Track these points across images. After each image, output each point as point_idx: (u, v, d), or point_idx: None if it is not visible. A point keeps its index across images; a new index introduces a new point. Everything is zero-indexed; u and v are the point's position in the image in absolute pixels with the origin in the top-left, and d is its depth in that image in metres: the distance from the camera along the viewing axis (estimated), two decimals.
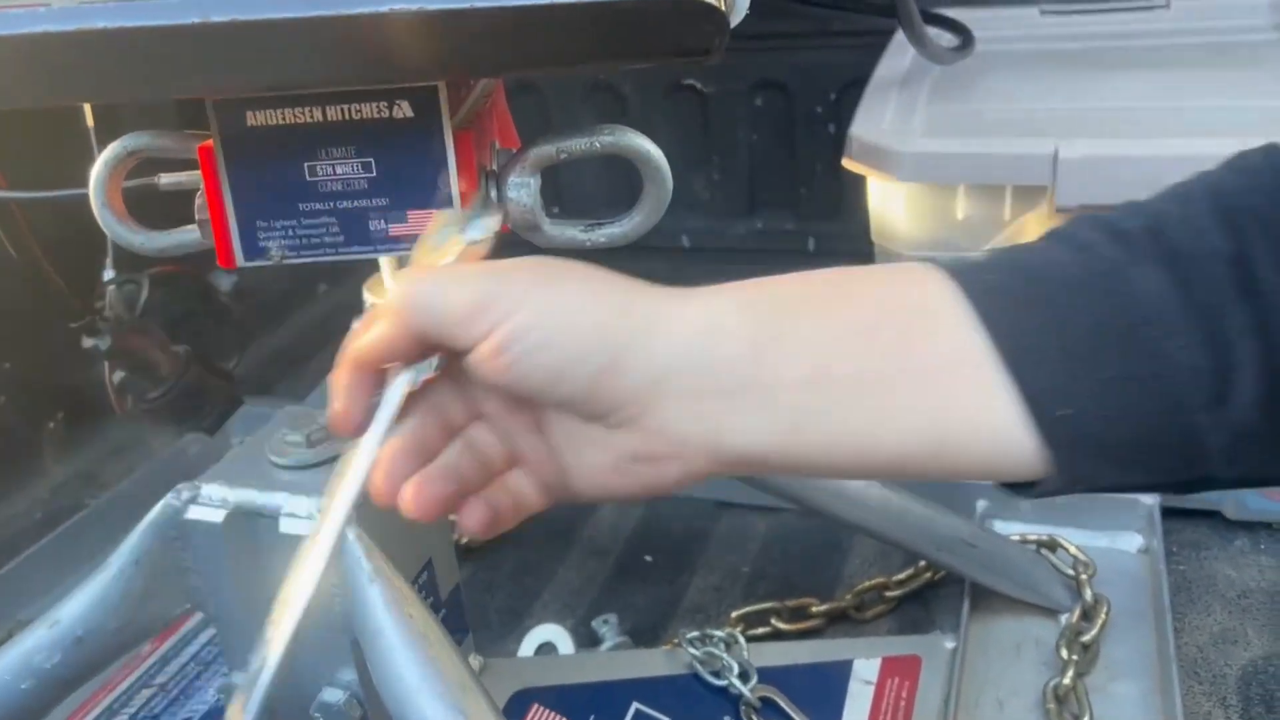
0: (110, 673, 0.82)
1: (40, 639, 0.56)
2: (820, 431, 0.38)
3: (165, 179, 0.56)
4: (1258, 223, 0.34)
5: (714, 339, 0.38)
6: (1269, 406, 0.33)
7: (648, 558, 0.96)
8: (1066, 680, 0.77)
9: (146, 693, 0.78)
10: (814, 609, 0.86)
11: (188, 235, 0.56)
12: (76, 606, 0.57)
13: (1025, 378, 0.35)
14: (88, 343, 0.67)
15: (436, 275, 0.39)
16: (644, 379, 0.37)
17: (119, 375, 0.69)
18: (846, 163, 0.94)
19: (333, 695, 0.57)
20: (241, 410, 1.14)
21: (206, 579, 0.56)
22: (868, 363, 0.37)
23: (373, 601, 0.51)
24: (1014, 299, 0.36)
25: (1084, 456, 0.35)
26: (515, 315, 0.37)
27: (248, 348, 1.00)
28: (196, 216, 0.50)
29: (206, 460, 1.02)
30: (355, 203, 0.47)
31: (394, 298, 0.38)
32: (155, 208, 0.58)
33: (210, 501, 0.55)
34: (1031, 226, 0.86)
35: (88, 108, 0.73)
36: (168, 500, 0.55)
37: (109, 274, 0.70)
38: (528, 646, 0.83)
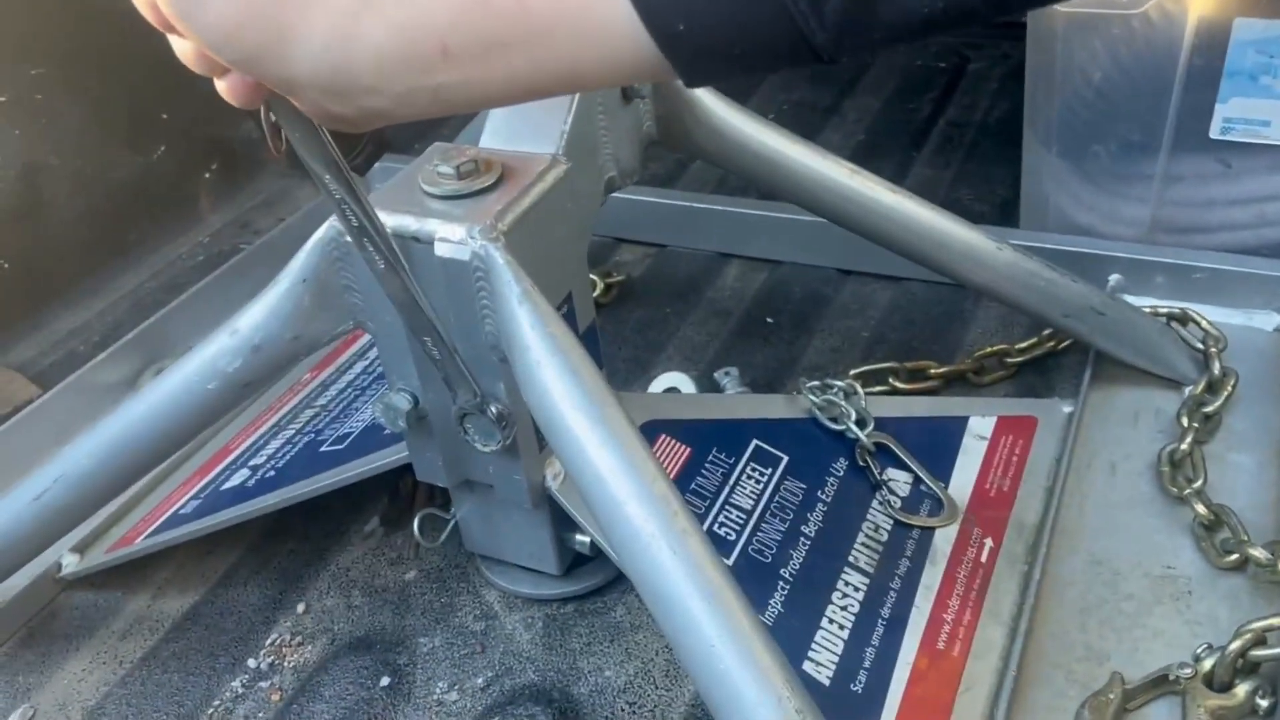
0: (277, 394, 0.91)
1: (223, 345, 0.62)
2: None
3: None
4: None
5: (349, 52, 0.40)
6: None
7: (769, 319, 0.99)
8: (1184, 446, 0.78)
9: (309, 413, 0.86)
10: (932, 370, 0.88)
11: None
12: (253, 317, 0.62)
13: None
14: None
15: None
16: (279, 72, 0.41)
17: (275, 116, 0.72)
18: None
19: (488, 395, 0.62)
20: (378, 165, 1.18)
21: (367, 297, 0.61)
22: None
23: (521, 320, 0.55)
24: None
25: (704, 62, 0.38)
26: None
27: None
28: None
29: None
30: None
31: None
32: None
33: None
34: None
35: None
36: (331, 222, 0.59)
37: None
38: (655, 389, 0.87)
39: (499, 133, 0.67)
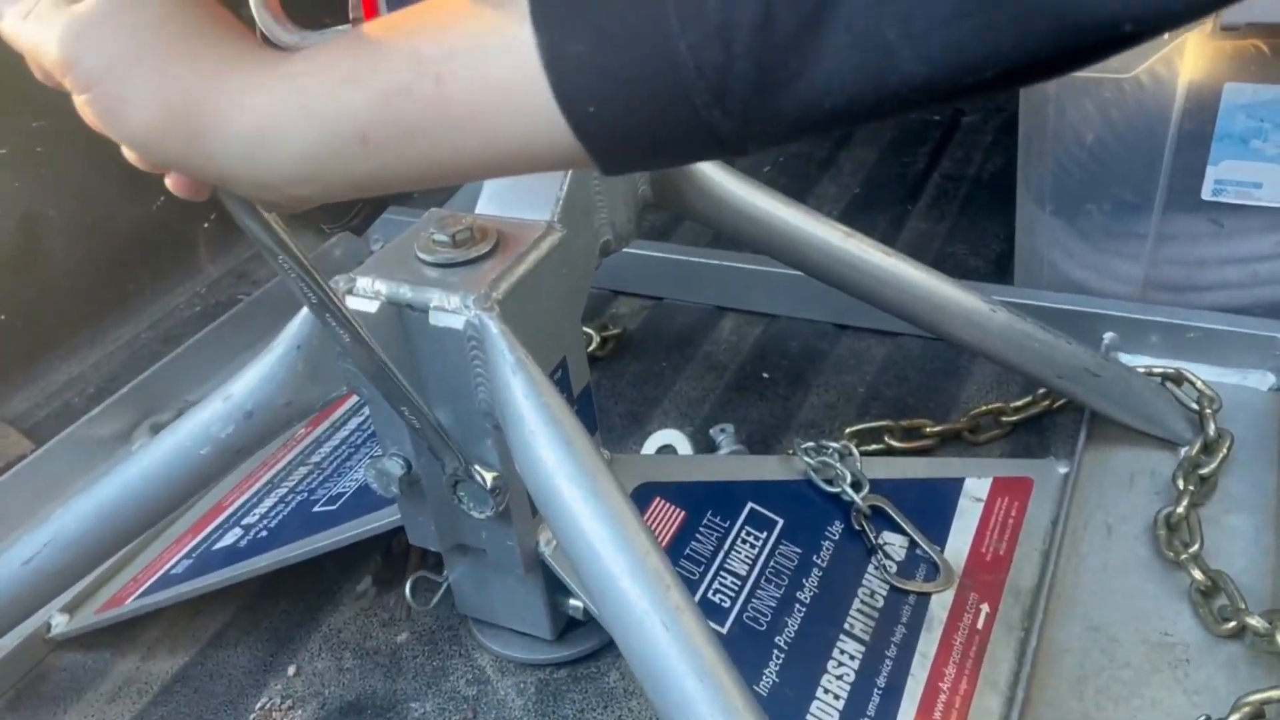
0: (270, 451, 0.90)
1: (216, 411, 0.62)
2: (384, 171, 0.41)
3: None
4: None
5: (267, 148, 0.41)
6: (760, 91, 0.35)
7: (764, 374, 0.99)
8: (1180, 509, 0.78)
9: (303, 470, 0.85)
10: (928, 429, 0.88)
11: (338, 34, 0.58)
12: (247, 383, 0.62)
13: (560, 75, 0.36)
14: None
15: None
16: (208, 171, 0.42)
17: None
18: None
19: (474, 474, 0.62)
20: (382, 217, 1.19)
21: (361, 365, 0.61)
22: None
23: (515, 389, 0.55)
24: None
25: (619, 150, 0.38)
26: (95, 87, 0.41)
27: None
28: (350, 16, 0.51)
29: (349, 263, 1.08)
30: None
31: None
32: (308, 11, 0.60)
33: (365, 293, 0.59)
34: (1192, 43, 0.81)
35: None
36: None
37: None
38: (649, 448, 0.87)
39: (495, 198, 0.67)
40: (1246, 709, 0.60)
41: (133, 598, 0.77)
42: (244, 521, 0.81)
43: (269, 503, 0.83)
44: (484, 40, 0.38)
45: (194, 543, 0.81)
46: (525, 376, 0.55)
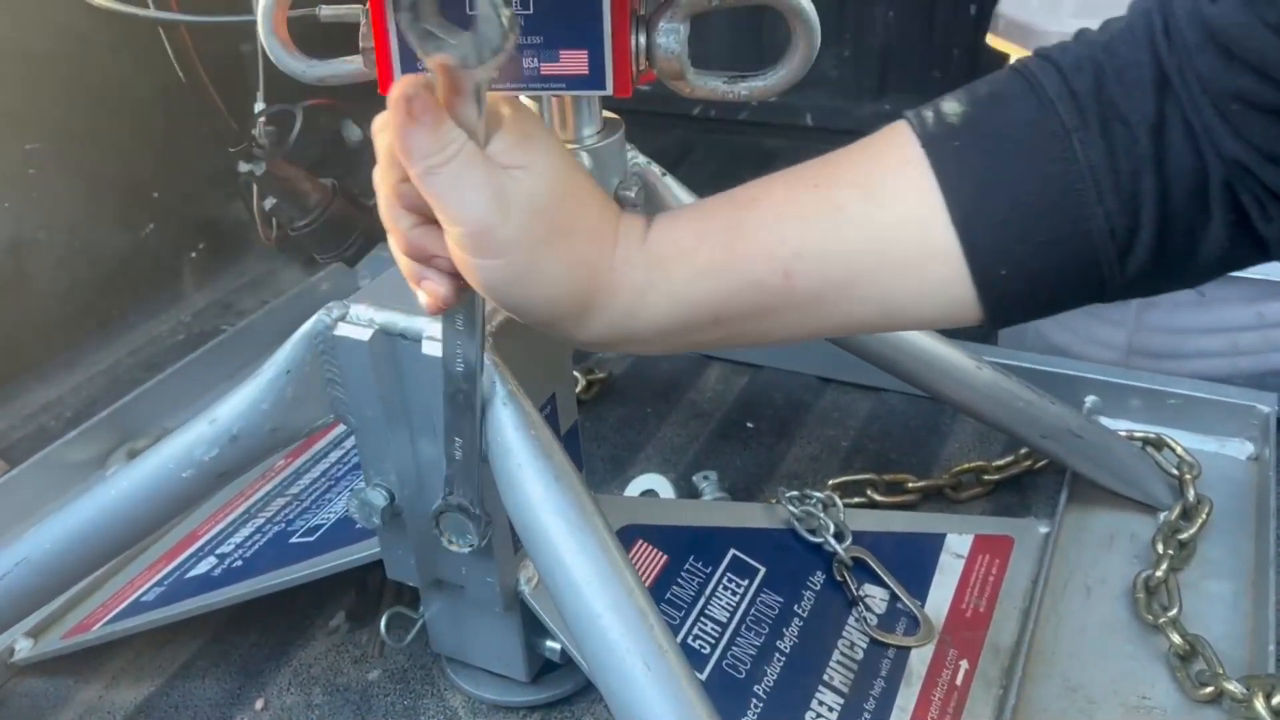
0: (248, 481, 0.89)
1: (201, 434, 0.62)
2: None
3: (326, 10, 0.59)
4: (1183, 85, 0.39)
5: (634, 322, 0.45)
6: (1157, 257, 0.41)
7: (749, 424, 0.99)
8: (1159, 573, 0.78)
9: (281, 501, 0.84)
10: (910, 485, 0.88)
11: (345, 66, 0.59)
12: (233, 407, 0.62)
13: (975, 243, 0.41)
14: (244, 167, 0.70)
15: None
16: (570, 330, 0.45)
17: (270, 201, 0.73)
18: (991, 39, 0.92)
19: (455, 508, 0.61)
20: (372, 253, 1.19)
21: (350, 392, 0.61)
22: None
23: (504, 421, 0.54)
24: (971, 165, 0.41)
25: (1013, 305, 0.42)
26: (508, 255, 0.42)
27: None
28: (360, 45, 0.52)
29: (337, 296, 1.08)
30: None
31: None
32: (314, 40, 0.61)
33: (358, 320, 0.59)
34: None
35: None
36: (319, 316, 0.59)
37: (260, 105, 0.73)
38: (632, 491, 0.87)
39: None
40: None
41: (100, 624, 0.76)
42: (219, 550, 0.80)
43: (245, 532, 0.81)
44: (867, 220, 0.42)
45: (166, 570, 0.80)
46: (515, 409, 0.55)
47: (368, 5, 0.50)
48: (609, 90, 0.49)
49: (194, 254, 1.24)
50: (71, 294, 1.11)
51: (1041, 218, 0.40)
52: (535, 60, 0.49)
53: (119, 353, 1.14)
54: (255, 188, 0.70)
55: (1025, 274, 0.41)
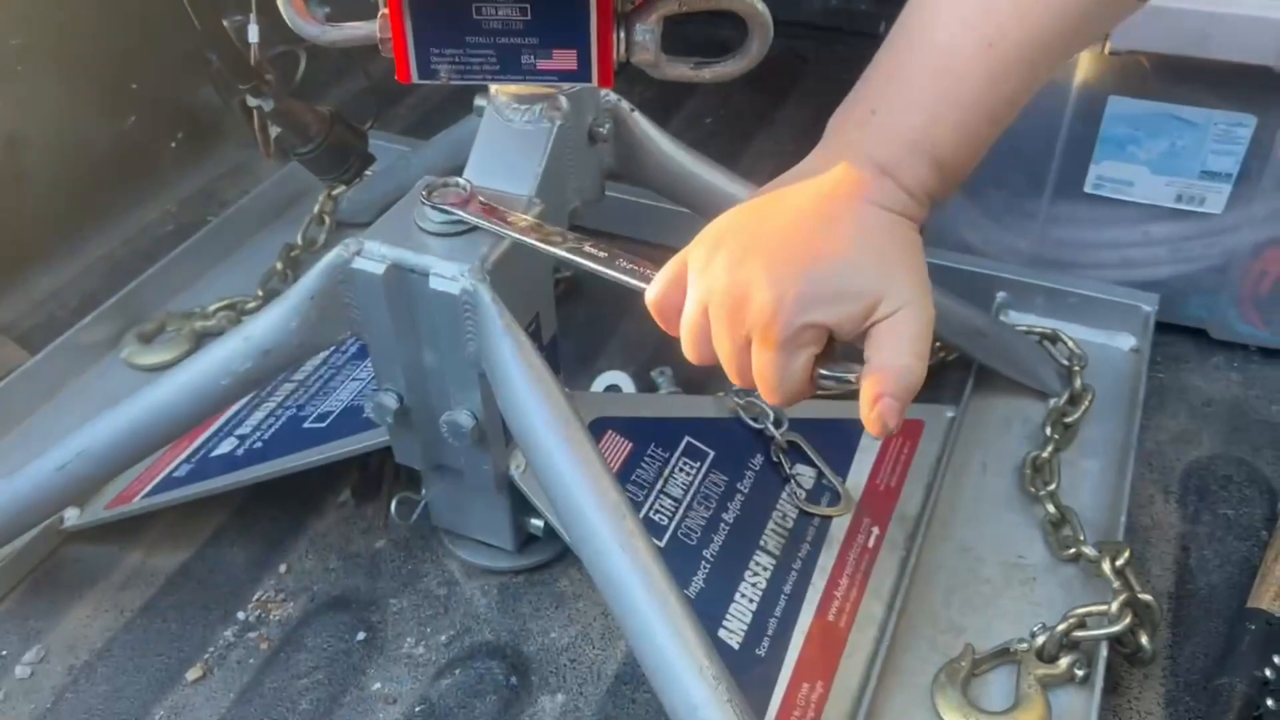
0: None
1: (237, 348, 0.72)
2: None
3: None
4: None
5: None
6: None
7: None
8: (1045, 454, 0.92)
9: (289, 386, 0.95)
10: None
11: (356, 30, 0.67)
12: (264, 325, 0.72)
13: None
14: (253, 103, 0.78)
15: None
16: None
17: (276, 131, 0.81)
18: None
19: (459, 415, 0.73)
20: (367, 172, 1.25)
21: (365, 314, 0.71)
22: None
23: (504, 349, 0.66)
24: None
25: None
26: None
27: (381, 116, 1.10)
28: (379, 36, 0.60)
29: (311, 185, 1.15)
30: (511, 39, 0.57)
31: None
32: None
33: (372, 256, 0.69)
34: (1085, 59, 0.93)
35: None
36: (338, 250, 0.69)
37: (253, 30, 0.80)
38: (598, 386, 0.99)
39: (479, 168, 0.76)
40: (1072, 619, 0.76)
41: (139, 496, 0.87)
42: (237, 432, 0.91)
43: (259, 416, 0.92)
44: None
45: (191, 448, 0.91)
46: (512, 338, 0.66)
47: (384, 8, 0.58)
48: (594, 83, 0.58)
49: (174, 144, 1.30)
50: (65, 186, 1.17)
51: None
52: (532, 57, 0.58)
53: (114, 242, 1.21)
54: (257, 117, 0.78)
55: None
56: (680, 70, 0.60)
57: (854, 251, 0.49)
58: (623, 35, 0.59)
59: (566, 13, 0.56)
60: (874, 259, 0.49)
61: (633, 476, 0.83)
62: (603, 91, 0.79)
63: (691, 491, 0.84)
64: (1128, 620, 0.75)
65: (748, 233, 0.50)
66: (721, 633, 0.76)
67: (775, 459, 0.89)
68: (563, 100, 0.73)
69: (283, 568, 0.86)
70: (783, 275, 0.48)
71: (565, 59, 0.57)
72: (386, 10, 0.58)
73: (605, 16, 0.56)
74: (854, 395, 0.52)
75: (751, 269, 0.48)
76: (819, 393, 0.52)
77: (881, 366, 0.50)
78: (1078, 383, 0.98)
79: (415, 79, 0.60)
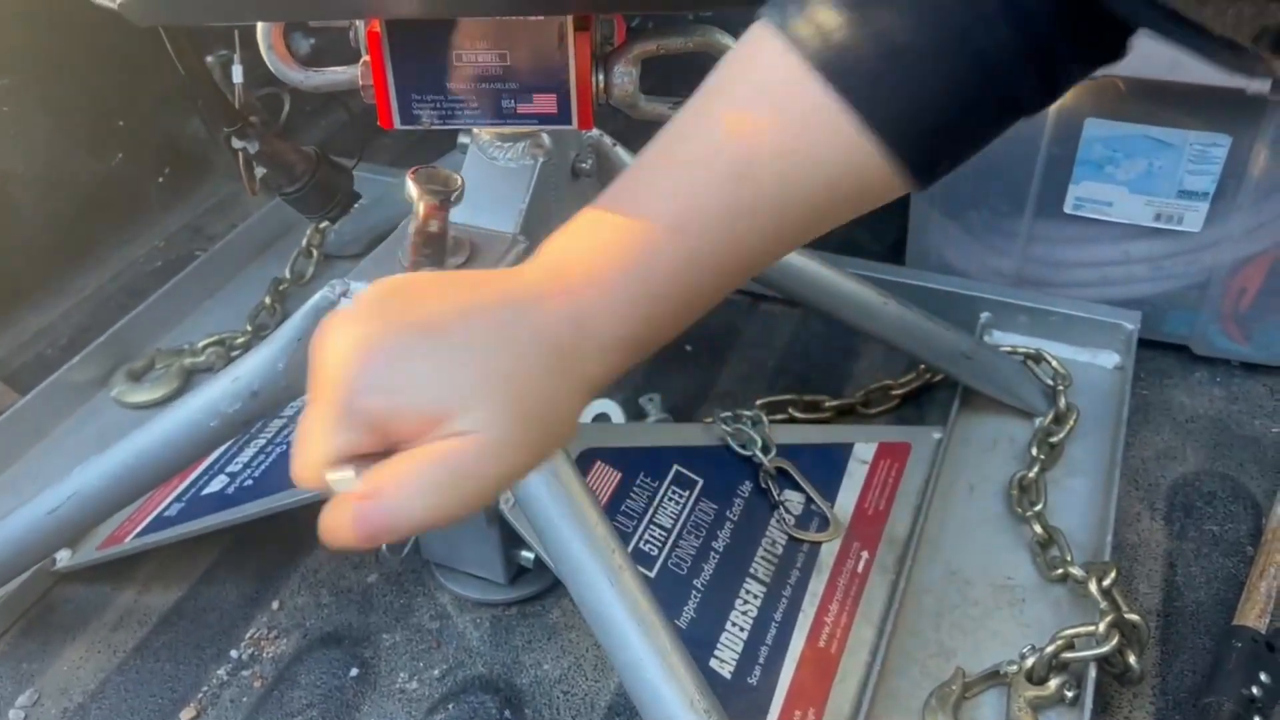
0: None
1: (225, 389, 0.72)
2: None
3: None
4: None
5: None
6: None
7: (688, 347, 1.11)
8: (1031, 474, 0.93)
9: (278, 422, 0.95)
10: (826, 404, 1.02)
11: (339, 75, 0.67)
12: (251, 366, 0.72)
13: (877, 118, 0.39)
14: (238, 144, 0.79)
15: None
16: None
17: (261, 172, 0.82)
18: None
19: None
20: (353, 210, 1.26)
21: None
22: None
23: None
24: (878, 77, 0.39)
25: (928, 145, 0.41)
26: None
27: (367, 147, 1.10)
28: (360, 83, 0.61)
29: (297, 218, 1.16)
30: (492, 85, 0.58)
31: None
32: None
33: None
34: None
35: None
36: (324, 292, 0.69)
37: (237, 71, 0.80)
38: (586, 415, 0.99)
39: (463, 206, 0.77)
40: (1060, 641, 0.76)
41: (131, 536, 0.88)
42: (228, 469, 0.91)
43: (249, 453, 0.93)
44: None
45: (182, 487, 0.92)
46: None
47: (366, 56, 0.59)
48: (575, 125, 0.59)
49: (160, 179, 1.31)
50: (53, 223, 1.18)
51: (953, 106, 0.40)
52: (513, 102, 0.59)
53: (102, 278, 1.22)
54: (242, 158, 0.79)
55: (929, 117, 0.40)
56: (659, 109, 0.61)
57: (457, 351, 0.38)
58: (601, 77, 0.59)
59: (545, 58, 0.57)
60: (476, 372, 0.38)
61: (622, 507, 0.83)
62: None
63: (681, 521, 0.85)
64: (1115, 641, 0.76)
65: (408, 289, 0.41)
66: (713, 662, 0.76)
67: (764, 485, 0.90)
68: (545, 138, 0.74)
69: (275, 604, 0.87)
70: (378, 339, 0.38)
71: (545, 103, 0.58)
72: (368, 58, 0.59)
73: (583, 60, 0.57)
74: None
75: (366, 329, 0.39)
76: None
77: (382, 486, 0.37)
78: (1062, 402, 0.99)
79: (398, 125, 0.61)
